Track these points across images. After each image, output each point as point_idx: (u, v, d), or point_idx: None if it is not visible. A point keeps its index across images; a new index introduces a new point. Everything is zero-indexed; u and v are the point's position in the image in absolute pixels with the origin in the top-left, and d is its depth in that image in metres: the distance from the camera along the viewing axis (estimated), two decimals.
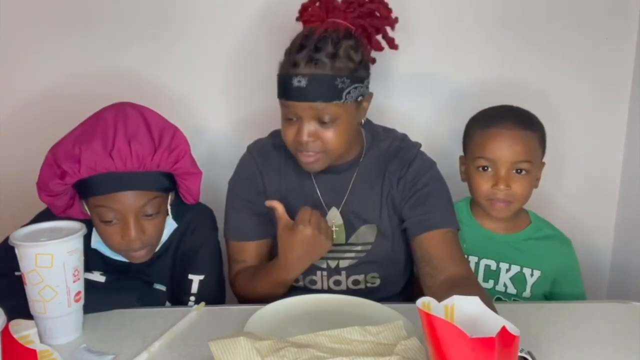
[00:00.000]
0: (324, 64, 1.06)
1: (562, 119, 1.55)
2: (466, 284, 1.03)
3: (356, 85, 1.10)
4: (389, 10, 1.16)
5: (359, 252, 1.20)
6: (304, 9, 1.17)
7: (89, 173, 1.02)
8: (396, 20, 1.17)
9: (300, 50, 1.08)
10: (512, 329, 0.68)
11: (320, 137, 1.10)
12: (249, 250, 1.23)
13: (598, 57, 1.56)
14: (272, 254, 1.25)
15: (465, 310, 0.75)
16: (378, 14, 1.14)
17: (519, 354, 0.76)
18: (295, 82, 1.06)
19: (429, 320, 0.69)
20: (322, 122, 1.09)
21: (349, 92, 1.09)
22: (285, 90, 1.09)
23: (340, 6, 1.14)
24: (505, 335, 0.67)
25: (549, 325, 1.01)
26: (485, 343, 0.66)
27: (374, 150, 1.22)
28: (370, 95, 1.17)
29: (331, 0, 1.14)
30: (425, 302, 0.73)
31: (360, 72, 1.11)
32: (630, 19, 1.55)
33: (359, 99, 1.12)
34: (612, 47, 1.56)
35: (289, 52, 1.10)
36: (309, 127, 1.09)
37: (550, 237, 1.29)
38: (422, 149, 1.24)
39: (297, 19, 1.19)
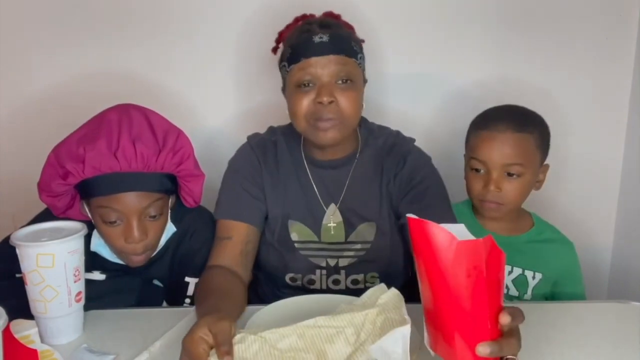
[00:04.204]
0: (337, 27, 1.11)
1: (562, 119, 1.55)
2: None
3: (363, 56, 1.15)
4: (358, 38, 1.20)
5: (358, 250, 1.20)
6: (285, 31, 1.20)
7: (93, 173, 1.02)
8: (362, 40, 1.20)
9: (309, 24, 1.11)
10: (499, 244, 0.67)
11: (338, 99, 1.09)
12: (239, 229, 1.16)
13: (598, 57, 1.57)
14: (259, 250, 1.22)
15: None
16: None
17: None
18: (317, 38, 1.08)
19: (418, 226, 0.68)
20: (340, 84, 1.09)
21: (360, 57, 1.13)
22: (306, 49, 1.09)
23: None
24: (493, 246, 0.66)
25: (549, 325, 1.01)
26: (473, 245, 0.65)
27: (370, 147, 1.22)
28: (366, 81, 1.19)
29: (311, 19, 1.19)
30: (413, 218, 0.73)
31: (362, 49, 1.16)
32: (630, 19, 1.55)
33: (364, 74, 1.16)
34: (612, 47, 1.56)
35: (293, 34, 1.13)
36: (329, 86, 1.09)
37: (553, 240, 1.29)
38: (423, 150, 1.24)
39: (274, 50, 1.21)
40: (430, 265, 0.69)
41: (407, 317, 0.80)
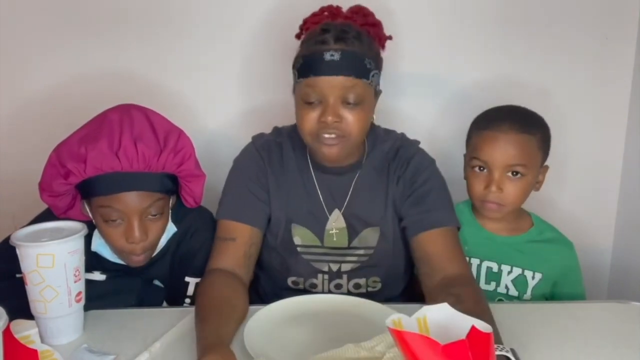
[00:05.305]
0: (352, 42, 1.07)
1: (562, 119, 1.55)
2: (462, 283, 1.03)
3: (378, 71, 1.11)
4: (384, 35, 1.19)
5: (361, 255, 1.19)
6: (309, 20, 1.17)
7: (95, 173, 1.02)
8: (390, 37, 1.19)
9: (325, 32, 1.08)
10: (482, 327, 0.67)
11: (344, 119, 1.08)
12: (243, 231, 1.15)
13: (598, 57, 1.57)
14: (261, 253, 1.21)
15: (438, 319, 0.73)
16: (377, 30, 1.17)
17: (501, 352, 0.76)
18: (328, 56, 1.05)
19: (400, 336, 0.67)
20: (346, 104, 1.07)
21: (373, 75, 1.10)
22: (316, 66, 1.06)
23: (345, 15, 1.15)
24: (476, 335, 0.66)
25: (549, 325, 1.01)
26: (458, 347, 0.64)
27: (376, 152, 1.22)
28: (380, 92, 1.16)
29: (337, 11, 1.16)
30: (395, 320, 0.71)
31: (379, 61, 1.13)
32: (630, 19, 1.55)
33: (377, 88, 1.13)
34: (612, 47, 1.56)
35: (309, 39, 1.10)
36: (335, 106, 1.07)
37: (552, 240, 1.29)
38: (426, 152, 1.24)
39: (298, 36, 1.19)
40: None
41: None
